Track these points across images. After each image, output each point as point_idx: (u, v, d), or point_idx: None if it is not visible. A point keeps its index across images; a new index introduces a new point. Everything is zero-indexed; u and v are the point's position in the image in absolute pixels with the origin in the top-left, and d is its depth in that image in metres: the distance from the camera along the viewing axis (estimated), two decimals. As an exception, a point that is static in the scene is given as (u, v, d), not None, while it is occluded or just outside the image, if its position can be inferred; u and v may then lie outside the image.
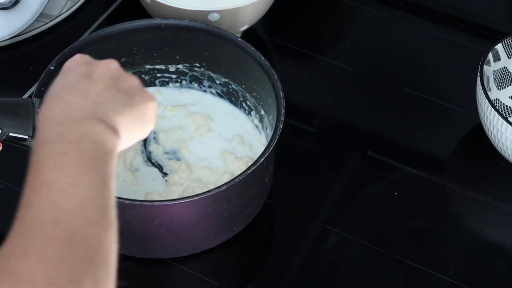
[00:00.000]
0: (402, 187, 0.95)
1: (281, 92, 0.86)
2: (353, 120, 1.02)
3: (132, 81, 0.69)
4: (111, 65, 0.69)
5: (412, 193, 0.94)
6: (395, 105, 1.04)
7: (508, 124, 0.89)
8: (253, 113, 0.95)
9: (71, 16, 1.11)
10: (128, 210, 0.80)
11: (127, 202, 0.79)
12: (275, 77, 0.87)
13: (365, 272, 0.87)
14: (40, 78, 0.87)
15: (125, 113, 0.66)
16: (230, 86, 0.96)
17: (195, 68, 0.97)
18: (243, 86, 0.95)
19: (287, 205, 0.93)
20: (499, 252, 0.89)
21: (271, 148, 0.83)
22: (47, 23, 1.09)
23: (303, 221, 0.91)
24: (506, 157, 0.94)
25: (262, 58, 0.89)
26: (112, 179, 0.60)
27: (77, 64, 0.68)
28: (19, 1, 1.03)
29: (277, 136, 0.83)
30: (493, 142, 0.94)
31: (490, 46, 0.96)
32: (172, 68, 0.98)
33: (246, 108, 0.96)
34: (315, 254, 0.88)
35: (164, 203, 0.80)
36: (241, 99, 0.96)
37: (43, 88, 0.86)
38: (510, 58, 0.98)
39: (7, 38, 1.05)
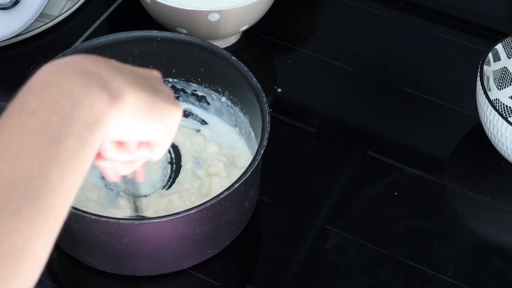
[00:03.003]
0: (402, 187, 0.95)
1: (267, 116, 0.83)
2: (353, 120, 1.02)
3: (167, 90, 0.63)
4: (152, 71, 0.64)
5: (412, 193, 0.94)
6: (395, 105, 1.04)
7: (508, 124, 0.89)
8: (246, 132, 0.93)
9: (71, 16, 1.11)
10: (96, 225, 0.77)
11: (93, 217, 0.76)
12: (264, 99, 0.85)
13: (365, 272, 0.87)
14: None
15: (141, 94, 0.58)
16: (224, 104, 0.95)
17: (191, 83, 0.96)
18: (237, 106, 0.93)
19: (287, 205, 0.93)
20: (499, 252, 0.89)
21: (249, 173, 0.79)
22: (47, 23, 1.09)
23: (303, 221, 0.91)
24: (506, 157, 0.94)
25: (254, 79, 0.87)
26: (81, 154, 0.52)
27: None
28: (19, 1, 1.03)
29: (256, 162, 0.80)
30: (493, 142, 0.94)
31: (490, 46, 0.96)
32: (168, 83, 0.96)
33: (239, 127, 0.94)
34: (315, 254, 0.88)
35: (131, 221, 0.78)
36: (235, 117, 0.94)
37: None
38: (510, 58, 0.98)
39: (7, 38, 1.05)
